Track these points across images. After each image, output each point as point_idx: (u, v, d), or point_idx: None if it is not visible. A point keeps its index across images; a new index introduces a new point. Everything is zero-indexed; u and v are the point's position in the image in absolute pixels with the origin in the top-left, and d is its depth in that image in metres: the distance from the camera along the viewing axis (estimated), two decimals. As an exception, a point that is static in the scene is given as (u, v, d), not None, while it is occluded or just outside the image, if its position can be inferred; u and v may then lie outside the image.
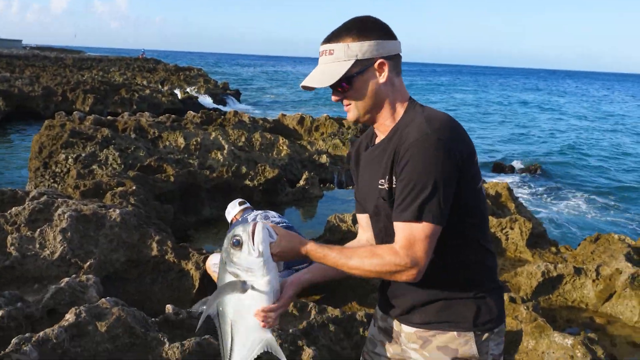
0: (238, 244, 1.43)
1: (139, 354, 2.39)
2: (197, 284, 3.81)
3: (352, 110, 1.59)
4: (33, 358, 2.09)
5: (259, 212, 4.07)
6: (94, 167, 6.49)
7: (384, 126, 1.61)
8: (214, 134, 9.12)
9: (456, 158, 1.45)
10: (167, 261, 3.90)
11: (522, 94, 63.20)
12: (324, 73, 1.54)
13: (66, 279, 3.09)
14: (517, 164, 17.83)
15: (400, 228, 1.46)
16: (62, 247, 3.57)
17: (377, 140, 1.67)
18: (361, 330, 3.03)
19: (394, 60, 1.57)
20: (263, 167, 6.98)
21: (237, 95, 29.89)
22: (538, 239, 5.35)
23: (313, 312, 3.07)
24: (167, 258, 3.90)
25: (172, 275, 3.91)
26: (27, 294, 3.30)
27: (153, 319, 2.69)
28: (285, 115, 12.59)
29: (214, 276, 3.75)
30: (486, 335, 1.58)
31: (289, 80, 63.46)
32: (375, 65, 1.53)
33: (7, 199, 4.29)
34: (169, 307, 2.78)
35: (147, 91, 20.07)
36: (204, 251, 4.06)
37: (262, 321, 1.51)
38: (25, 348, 2.12)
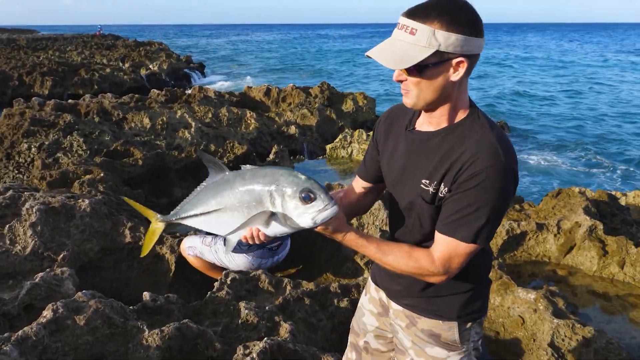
0: (309, 199, 1.43)
1: (119, 343, 2.45)
2: (173, 268, 3.86)
3: (410, 97, 1.48)
4: (14, 357, 2.13)
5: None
6: (58, 154, 6.39)
7: (436, 119, 1.54)
8: (179, 112, 9.01)
9: (516, 186, 1.48)
10: (141, 247, 3.92)
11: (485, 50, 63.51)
12: (397, 53, 1.40)
13: (41, 274, 3.11)
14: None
15: (446, 242, 1.48)
16: (33, 242, 3.56)
17: (422, 127, 1.61)
18: (335, 301, 3.14)
19: (473, 60, 1.45)
20: (232, 144, 6.98)
21: (201, 68, 29.31)
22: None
23: (288, 287, 3.17)
24: (141, 244, 3.91)
25: (147, 261, 3.94)
26: (2, 290, 3.31)
27: (131, 307, 2.74)
28: (251, 87, 12.46)
29: (189, 259, 3.81)
30: (469, 324, 1.68)
31: (256, 49, 62.46)
32: (454, 61, 1.41)
33: (-28, 195, 4.22)
34: (146, 295, 2.84)
35: (108, 70, 19.52)
36: (178, 234, 4.10)
37: (250, 239, 1.53)
38: (5, 348, 2.16)
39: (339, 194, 1.80)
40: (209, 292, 3.04)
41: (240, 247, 3.64)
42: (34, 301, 2.96)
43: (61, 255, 3.58)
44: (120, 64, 23.92)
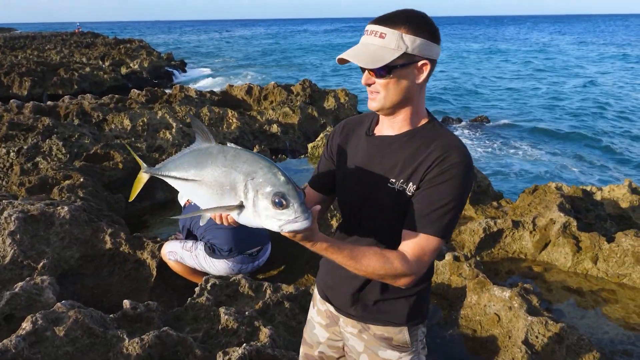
0: (281, 205, 1.36)
1: (99, 353, 2.47)
2: (154, 273, 3.88)
3: (378, 100, 1.56)
4: (-6, 371, 2.15)
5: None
6: (38, 159, 6.32)
7: (398, 124, 1.62)
8: (160, 113, 8.97)
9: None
10: (122, 253, 3.94)
11: (466, 43, 63.92)
12: (370, 55, 1.50)
13: (20, 283, 3.11)
14: (465, 117, 18.29)
15: (418, 238, 1.51)
16: (12, 250, 3.55)
17: (382, 132, 1.67)
18: (315, 303, 3.19)
19: (433, 65, 1.57)
20: (213, 145, 6.97)
21: (182, 65, 29.11)
22: (480, 195, 5.63)
23: (268, 291, 3.21)
24: (122, 250, 3.93)
25: (128, 266, 3.95)
26: (-18, 301, 3.30)
27: (111, 315, 2.76)
28: (232, 86, 12.44)
29: (170, 264, 3.83)
30: (418, 325, 1.75)
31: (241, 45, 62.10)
32: (419, 64, 1.53)
33: (-51, 204, 4.19)
34: (126, 303, 2.86)
35: (88, 69, 19.31)
36: (159, 239, 4.11)
37: (219, 220, 1.51)
38: (-16, 361, 2.17)
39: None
40: (189, 299, 3.06)
41: (221, 253, 3.67)
42: (14, 311, 2.97)
43: (41, 264, 3.58)
44: (100, 62, 23.65)
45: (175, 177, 1.70)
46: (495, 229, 4.49)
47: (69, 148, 6.63)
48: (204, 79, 28.57)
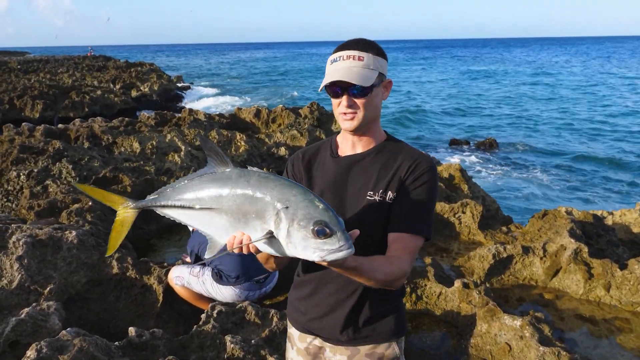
0: (324, 234, 1.30)
1: (104, 382, 2.44)
2: (160, 298, 3.85)
3: (357, 119, 1.66)
4: (-3, 401, 2.12)
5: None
6: (47, 182, 6.36)
7: (364, 142, 1.75)
8: (169, 136, 9.03)
9: None
10: (129, 278, 3.93)
11: (473, 65, 64.22)
12: (359, 75, 1.61)
13: (26, 309, 3.09)
14: (472, 139, 18.28)
15: (405, 239, 1.62)
16: (19, 275, 3.55)
17: (348, 152, 1.77)
18: (322, 331, 3.15)
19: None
20: (221, 168, 7.00)
21: (189, 88, 29.51)
22: (490, 220, 5.58)
23: (275, 318, 3.17)
24: (128, 275, 3.92)
25: (135, 291, 3.93)
26: (-12, 326, 3.28)
27: (116, 343, 2.74)
28: (241, 109, 12.52)
29: (176, 289, 3.80)
30: (401, 337, 1.82)
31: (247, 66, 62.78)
32: (385, 82, 1.71)
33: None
34: (131, 330, 2.83)
35: (99, 92, 19.55)
36: (165, 264, 4.09)
37: (237, 247, 1.44)
38: (-12, 391, 2.15)
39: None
40: (195, 326, 3.03)
41: (228, 279, 3.65)
42: (19, 337, 2.95)
43: (48, 288, 3.57)
44: (111, 85, 23.97)
45: (183, 207, 1.56)
46: (504, 255, 4.43)
47: (78, 171, 6.68)
48: (212, 98, 29.11)
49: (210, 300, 3.69)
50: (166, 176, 7.06)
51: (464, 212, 5.37)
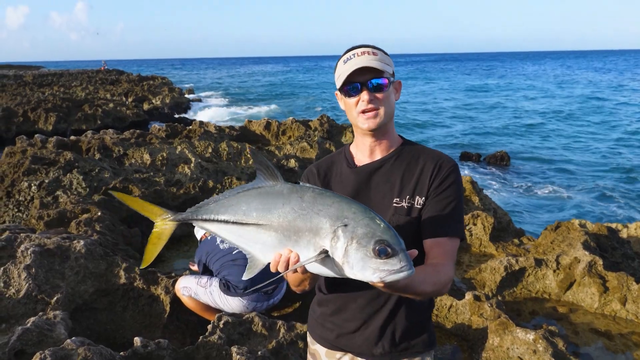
0: (385, 254, 1.24)
1: (108, 393, 2.41)
2: (168, 309, 3.82)
3: (379, 115, 1.63)
4: (-1, 410, 2.09)
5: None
6: (58, 192, 6.40)
7: (384, 145, 1.71)
8: (179, 148, 9.07)
9: None
10: (136, 288, 3.90)
11: (482, 80, 64.13)
12: (379, 64, 1.58)
13: (32, 318, 3.07)
14: (483, 152, 18.17)
15: (444, 243, 1.58)
16: (27, 284, 3.53)
17: (366, 161, 1.72)
18: (330, 343, 3.09)
19: None
20: (230, 180, 7.00)
21: (199, 99, 29.79)
22: (501, 232, 5.50)
23: (282, 330, 3.12)
24: (136, 285, 3.90)
25: (142, 302, 3.90)
26: (-6, 335, 3.27)
27: (121, 353, 2.70)
28: (251, 121, 12.58)
29: (183, 299, 3.77)
30: (433, 349, 1.77)
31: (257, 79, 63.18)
32: (397, 82, 1.70)
33: (-32, 237, 4.22)
34: (137, 340, 2.80)
35: (111, 105, 19.75)
36: (173, 274, 4.06)
37: (281, 266, 1.35)
38: (-10, 400, 2.12)
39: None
40: (201, 337, 2.99)
41: (236, 290, 3.61)
42: (25, 347, 2.92)
43: (55, 298, 3.55)
44: (124, 98, 24.22)
45: (226, 222, 1.48)
46: (517, 268, 4.35)
47: (89, 182, 6.70)
48: (220, 108, 29.46)
49: (218, 311, 3.65)
50: (175, 187, 7.06)
51: (474, 224, 5.30)
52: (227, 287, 3.64)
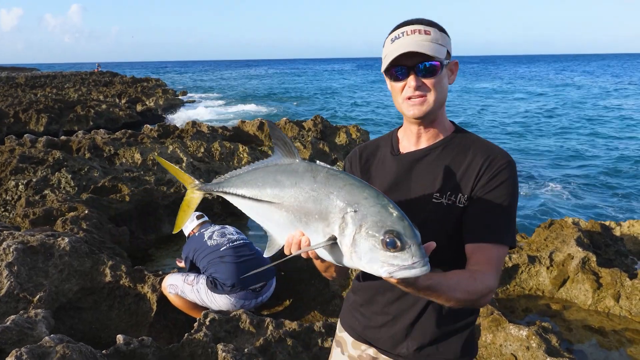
0: (394, 246, 1.12)
1: (87, 391, 2.33)
2: (154, 307, 3.74)
3: (427, 102, 1.47)
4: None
5: (217, 227, 4.03)
6: (46, 192, 6.29)
7: (432, 132, 1.55)
8: (171, 147, 8.98)
9: None
10: (122, 286, 3.82)
11: (479, 82, 64.34)
12: (428, 48, 1.41)
13: (12, 317, 2.99)
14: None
15: (488, 249, 1.41)
16: (9, 283, 3.44)
17: (410, 149, 1.58)
18: (320, 341, 3.02)
19: None
20: (221, 179, 6.92)
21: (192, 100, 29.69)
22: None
23: (270, 327, 3.05)
24: (122, 283, 3.81)
25: (128, 300, 3.82)
26: (-26, 335, 3.18)
27: (103, 351, 2.62)
28: (244, 121, 12.51)
29: (170, 297, 3.69)
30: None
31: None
32: (452, 63, 1.52)
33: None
34: (119, 338, 2.72)
35: (104, 106, 19.60)
36: (160, 272, 3.98)
37: (294, 247, 1.28)
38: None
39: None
40: (186, 334, 2.91)
41: (223, 288, 3.53)
42: (4, 346, 2.83)
43: (37, 296, 3.47)
44: (117, 100, 24.08)
45: (244, 196, 1.43)
46: (510, 265, 4.30)
47: (77, 181, 6.61)
48: (211, 107, 29.46)
49: (205, 309, 3.57)
50: (166, 186, 6.98)
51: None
52: (215, 285, 3.56)
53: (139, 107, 22.56)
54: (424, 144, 1.56)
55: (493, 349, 3.27)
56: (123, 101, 23.73)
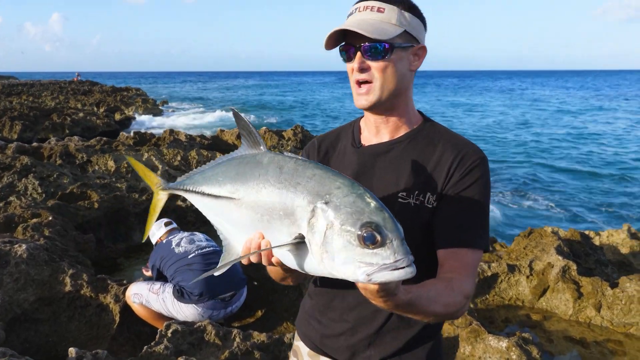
0: (373, 241, 0.94)
1: (29, 409, 2.13)
2: (117, 319, 3.54)
3: (374, 90, 1.31)
4: None
5: (186, 233, 3.85)
6: (11, 198, 6.03)
7: (392, 125, 1.39)
8: (146, 155, 8.77)
9: None
10: (83, 296, 3.61)
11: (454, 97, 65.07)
12: (372, 27, 1.26)
13: (-42, 329, 2.77)
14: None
15: (463, 255, 1.27)
16: (-42, 292, 3.22)
17: (373, 141, 1.41)
18: (290, 354, 2.85)
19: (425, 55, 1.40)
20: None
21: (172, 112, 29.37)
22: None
23: (237, 339, 2.87)
24: (82, 293, 3.60)
25: (90, 311, 3.61)
26: None
27: (53, 365, 2.43)
28: (223, 130, 12.35)
29: (134, 307, 3.50)
30: None
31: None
32: (416, 47, 1.34)
33: None
34: (71, 351, 2.52)
35: (81, 114, 19.23)
36: (125, 282, 3.78)
37: (253, 256, 1.12)
38: None
39: None
40: (145, 347, 2.72)
41: (190, 297, 3.35)
42: (-53, 360, 2.62)
43: (-11, 307, 3.25)
44: (95, 108, 23.68)
45: (202, 193, 1.27)
46: (489, 274, 4.18)
47: (45, 187, 6.36)
48: (190, 115, 29.24)
49: (170, 320, 3.38)
50: (139, 194, 6.76)
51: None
52: (181, 294, 3.38)
53: (117, 116, 22.20)
54: (385, 136, 1.40)
55: (472, 361, 3.14)
56: (101, 110, 23.36)
